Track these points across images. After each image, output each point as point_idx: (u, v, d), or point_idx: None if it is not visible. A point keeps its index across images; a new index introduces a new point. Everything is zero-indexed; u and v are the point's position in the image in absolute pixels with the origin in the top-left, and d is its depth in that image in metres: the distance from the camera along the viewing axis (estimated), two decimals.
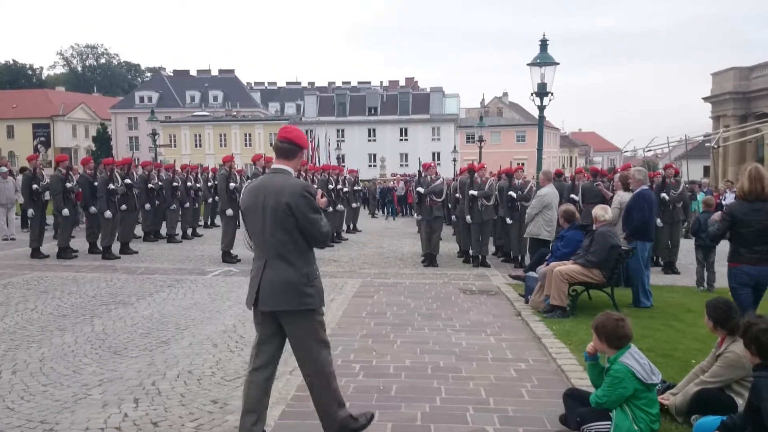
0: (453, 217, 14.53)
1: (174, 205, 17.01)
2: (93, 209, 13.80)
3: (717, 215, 6.76)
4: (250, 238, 4.38)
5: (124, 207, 14.14)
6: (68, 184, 13.44)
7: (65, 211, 13.42)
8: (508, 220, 13.16)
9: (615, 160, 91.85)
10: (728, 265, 6.29)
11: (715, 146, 39.83)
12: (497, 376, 5.95)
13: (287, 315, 4.19)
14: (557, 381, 5.76)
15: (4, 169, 17.83)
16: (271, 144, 66.96)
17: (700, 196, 15.59)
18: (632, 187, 9.23)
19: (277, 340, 4.33)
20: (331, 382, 4.35)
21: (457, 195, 13.54)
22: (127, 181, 14.49)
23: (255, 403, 4.27)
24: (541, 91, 13.57)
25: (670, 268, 12.54)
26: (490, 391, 5.52)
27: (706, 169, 46.07)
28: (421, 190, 13.04)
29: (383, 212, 32.39)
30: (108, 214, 13.55)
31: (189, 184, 17.92)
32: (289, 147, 4.31)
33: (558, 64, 13.62)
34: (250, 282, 4.31)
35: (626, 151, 65.40)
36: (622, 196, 9.89)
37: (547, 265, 8.81)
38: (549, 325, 7.71)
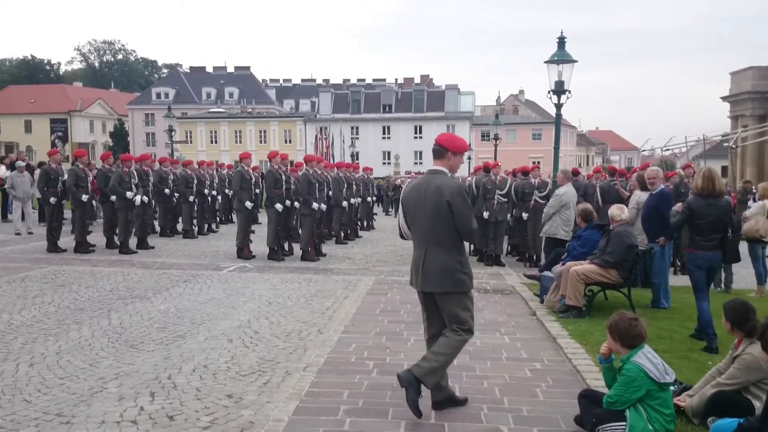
0: None
1: (192, 200, 17.15)
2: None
3: (678, 206, 7.60)
4: (408, 229, 5.10)
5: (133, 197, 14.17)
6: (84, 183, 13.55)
7: (84, 197, 13.55)
8: (524, 215, 13.12)
9: (632, 159, 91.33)
10: (686, 250, 7.45)
11: (734, 146, 39.43)
12: (512, 375, 5.93)
13: (442, 294, 4.90)
14: (572, 381, 5.74)
15: (22, 163, 18.02)
16: (285, 141, 67.54)
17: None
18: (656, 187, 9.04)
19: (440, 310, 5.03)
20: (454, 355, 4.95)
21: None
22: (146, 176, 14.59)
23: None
24: (559, 89, 13.45)
25: (687, 268, 12.40)
26: (505, 390, 5.51)
27: (724, 169, 45.59)
28: None
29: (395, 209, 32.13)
30: (129, 194, 13.58)
31: (207, 181, 18.04)
32: (439, 149, 5.00)
33: (576, 61, 13.49)
34: (414, 266, 5.04)
35: (644, 150, 65.01)
36: (639, 196, 9.80)
37: (563, 264, 8.77)
38: (564, 325, 7.67)
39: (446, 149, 4.95)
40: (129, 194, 13.62)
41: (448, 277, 4.82)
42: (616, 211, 8.53)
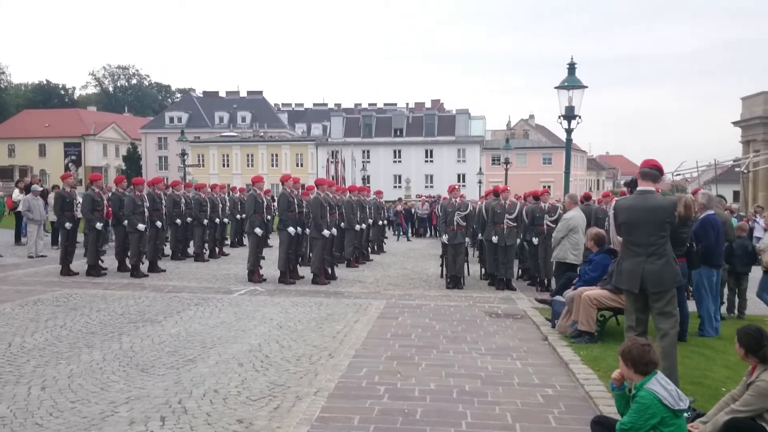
0: (479, 236, 14.43)
1: (205, 224, 17.24)
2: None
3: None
4: (618, 242, 6.30)
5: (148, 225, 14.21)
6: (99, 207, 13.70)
7: (99, 225, 13.72)
8: (535, 240, 13.11)
9: None
10: None
11: (745, 171, 39.27)
12: (524, 401, 5.89)
13: (660, 292, 5.86)
14: (585, 408, 5.69)
15: (38, 187, 18.21)
16: (297, 164, 67.83)
17: None
18: (696, 213, 8.95)
19: (647, 311, 6.05)
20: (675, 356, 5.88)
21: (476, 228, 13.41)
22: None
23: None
24: (569, 114, 13.50)
25: None
26: (517, 416, 5.47)
27: (736, 194, 45.41)
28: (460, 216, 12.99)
29: (403, 233, 31.50)
30: (141, 227, 13.74)
31: (219, 205, 18.15)
32: (653, 173, 5.96)
33: (586, 87, 13.56)
34: (631, 273, 5.94)
35: None
36: None
37: (575, 289, 8.74)
38: (576, 350, 7.63)
39: (662, 172, 6.01)
40: (141, 226, 13.72)
41: (665, 278, 5.82)
42: None
